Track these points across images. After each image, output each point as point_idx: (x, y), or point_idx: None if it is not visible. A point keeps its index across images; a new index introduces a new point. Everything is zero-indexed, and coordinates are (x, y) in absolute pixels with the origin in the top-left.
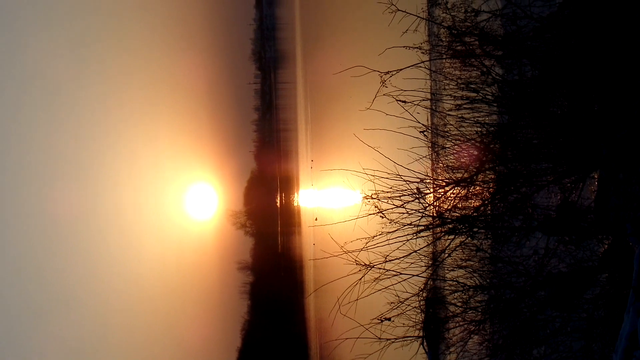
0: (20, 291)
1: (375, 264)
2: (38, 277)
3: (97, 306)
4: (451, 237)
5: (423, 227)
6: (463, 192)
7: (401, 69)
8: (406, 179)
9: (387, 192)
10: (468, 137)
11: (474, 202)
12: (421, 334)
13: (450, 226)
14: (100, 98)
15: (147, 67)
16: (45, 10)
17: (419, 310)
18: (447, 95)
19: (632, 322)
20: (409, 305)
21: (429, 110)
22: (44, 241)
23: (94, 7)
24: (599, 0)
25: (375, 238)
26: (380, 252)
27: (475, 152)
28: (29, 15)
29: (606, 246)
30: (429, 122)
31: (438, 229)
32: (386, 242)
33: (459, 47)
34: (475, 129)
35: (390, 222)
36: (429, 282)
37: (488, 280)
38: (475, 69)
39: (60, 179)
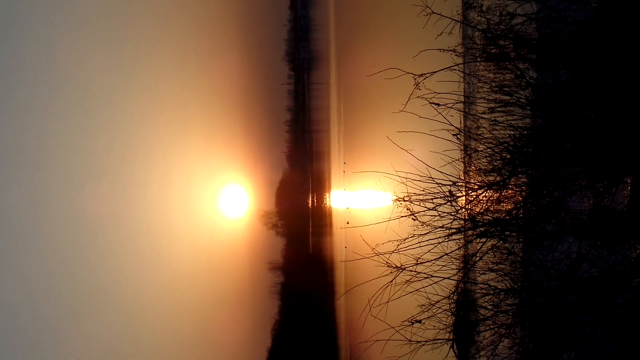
0: (51, 293)
1: (406, 266)
2: (69, 279)
3: (128, 307)
4: (483, 240)
5: (455, 230)
6: (495, 195)
7: (435, 72)
8: (438, 181)
9: (419, 194)
10: (501, 140)
11: (506, 206)
12: (451, 337)
13: (482, 229)
14: (133, 99)
15: (182, 67)
16: (78, 10)
17: (450, 313)
18: (480, 98)
19: None
20: (439, 307)
21: (462, 113)
22: (75, 243)
23: (127, 8)
24: (635, 5)
25: (406, 240)
26: (412, 255)
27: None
28: (62, 15)
29: (638, 251)
30: (462, 125)
31: (470, 232)
32: (418, 245)
33: (493, 50)
34: (509, 132)
35: (422, 225)
36: (459, 285)
37: (519, 284)
38: (509, 72)
39: (91, 180)
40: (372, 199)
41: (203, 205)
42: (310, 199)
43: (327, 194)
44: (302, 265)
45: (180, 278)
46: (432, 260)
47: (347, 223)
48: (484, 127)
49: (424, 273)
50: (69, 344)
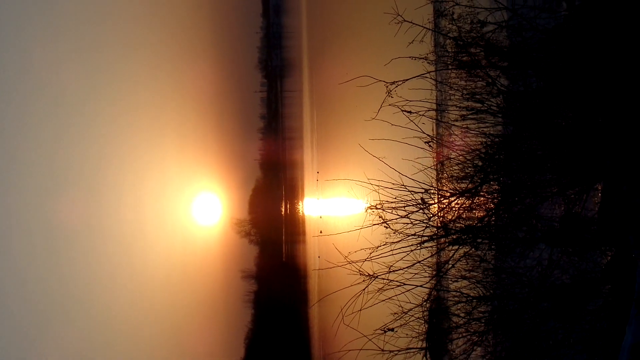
0: (24, 299)
1: (379, 274)
2: (41, 286)
3: (101, 314)
4: (455, 247)
5: (427, 238)
6: (467, 202)
7: (407, 79)
8: (411, 189)
9: (392, 202)
10: (473, 147)
11: (478, 213)
12: (424, 345)
13: (454, 237)
14: (107, 107)
15: (154, 75)
16: (51, 18)
17: (423, 321)
18: (452, 105)
19: (634, 334)
20: (412, 316)
21: (434, 121)
22: (48, 251)
23: (101, 16)
24: (604, 12)
25: (379, 248)
26: (384, 263)
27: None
28: (36, 23)
29: (609, 258)
30: (434, 133)
31: (442, 240)
32: (390, 253)
33: (464, 58)
34: (480, 139)
35: (394, 233)
36: (432, 293)
37: (491, 291)
38: (480, 79)
39: (65, 188)
40: (345, 206)
41: (177, 213)
42: (284, 207)
43: (301, 202)
44: (275, 273)
45: (153, 286)
46: (404, 268)
47: (320, 232)
48: (456, 135)
49: (397, 281)
50: (41, 353)
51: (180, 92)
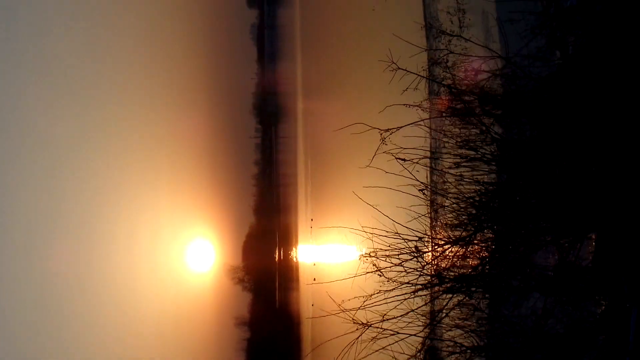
0: (16, 348)
1: (372, 323)
2: (32, 335)
3: None
4: (449, 296)
5: (421, 286)
6: (461, 251)
7: (401, 127)
8: (404, 237)
9: (386, 250)
10: (467, 195)
11: (472, 261)
12: None
13: (448, 285)
14: (99, 152)
15: (148, 120)
16: (44, 60)
17: None
18: (446, 153)
19: None
20: None
21: (428, 168)
22: (38, 299)
23: (94, 60)
24: (597, 62)
25: (373, 296)
26: (378, 311)
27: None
28: (28, 65)
29: (603, 307)
30: (428, 180)
31: (436, 288)
32: (384, 301)
33: (458, 106)
34: (474, 187)
35: (388, 281)
36: (426, 342)
37: (485, 341)
38: (474, 127)
39: (55, 235)
40: (339, 254)
41: (169, 260)
42: (277, 253)
43: (294, 249)
44: (268, 320)
45: (145, 335)
46: (398, 316)
47: (314, 279)
48: (449, 183)
49: (390, 330)
50: None
51: (174, 138)
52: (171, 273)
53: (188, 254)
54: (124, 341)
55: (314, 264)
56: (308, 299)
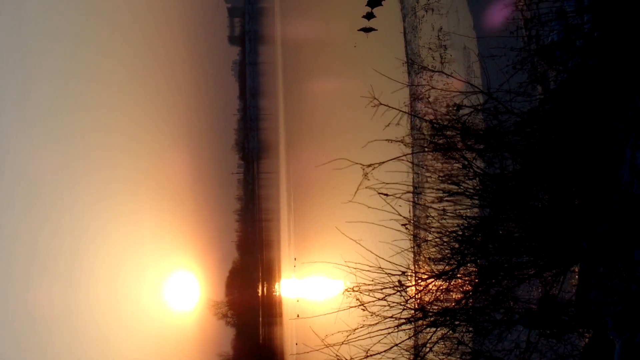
0: None
1: (356, 358)
2: None
3: None
4: (432, 330)
5: (404, 320)
6: (444, 284)
7: (383, 162)
8: (388, 271)
9: (369, 284)
10: (450, 229)
11: (455, 295)
12: None
13: (431, 319)
14: (82, 192)
15: (131, 158)
16: (27, 103)
17: None
18: (429, 187)
19: None
20: None
21: (410, 203)
22: (23, 339)
23: (76, 101)
24: (578, 96)
25: (356, 331)
26: (362, 346)
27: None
28: (10, 109)
29: (587, 340)
30: (411, 215)
31: (419, 322)
32: (368, 336)
33: (440, 141)
34: (457, 221)
35: (371, 315)
36: None
37: None
38: (456, 162)
39: (40, 277)
40: (322, 289)
41: (153, 297)
42: (260, 289)
43: (277, 284)
44: (252, 356)
45: None
46: (382, 352)
47: (298, 316)
48: (432, 217)
49: None
50: None
51: (157, 173)
52: (154, 309)
53: (171, 289)
54: None
55: (297, 300)
56: (291, 334)
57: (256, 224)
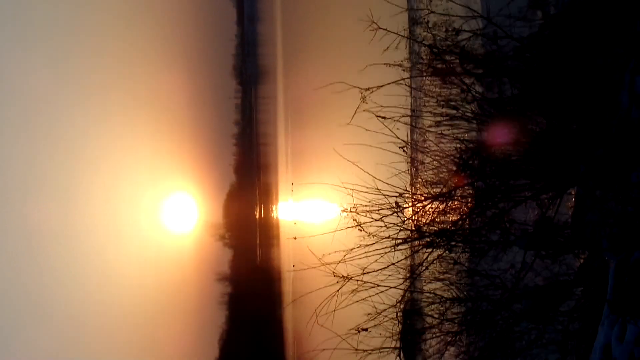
0: None
1: (353, 276)
2: (12, 288)
3: (73, 319)
4: (429, 250)
5: (401, 240)
6: (441, 206)
7: (381, 86)
8: (385, 193)
9: (366, 206)
10: (447, 153)
11: (452, 217)
12: (398, 345)
13: (428, 240)
14: (79, 111)
15: (128, 80)
16: (22, 26)
17: (396, 322)
18: (427, 112)
19: (606, 334)
20: (386, 316)
21: (408, 127)
22: (18, 252)
23: (73, 23)
24: (578, 22)
25: (353, 251)
26: (359, 265)
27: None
28: (5, 33)
29: (582, 261)
30: (409, 138)
31: (416, 242)
32: (364, 255)
33: (439, 65)
34: (455, 145)
35: (368, 236)
36: (406, 294)
37: (465, 293)
38: (455, 86)
39: (36, 190)
40: (320, 211)
41: (150, 217)
42: (258, 211)
43: (275, 207)
44: (249, 276)
45: (126, 289)
46: (378, 270)
47: (295, 238)
48: (430, 141)
49: (371, 282)
50: (13, 353)
51: (155, 98)
52: (152, 230)
53: (169, 211)
54: (105, 294)
55: (295, 223)
56: (288, 254)
57: (254, 148)
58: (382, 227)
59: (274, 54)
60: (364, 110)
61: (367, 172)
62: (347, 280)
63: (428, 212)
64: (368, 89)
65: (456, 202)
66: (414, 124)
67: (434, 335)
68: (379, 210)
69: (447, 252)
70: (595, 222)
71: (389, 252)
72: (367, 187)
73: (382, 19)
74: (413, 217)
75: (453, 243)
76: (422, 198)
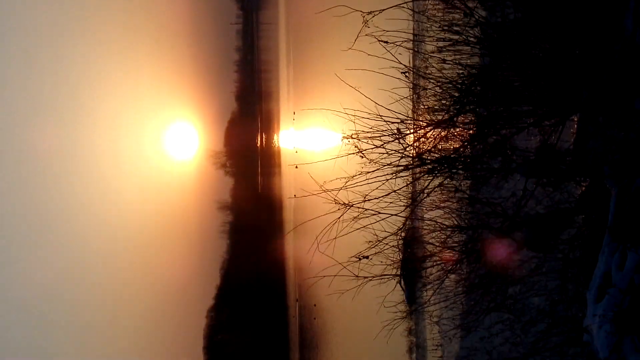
0: None
1: (354, 203)
2: (14, 212)
3: (76, 246)
4: (430, 177)
5: (402, 167)
6: (443, 133)
7: (384, 9)
8: (386, 119)
9: (367, 132)
10: (449, 78)
11: (453, 144)
12: (398, 273)
13: (429, 167)
14: (80, 36)
15: (127, 5)
16: None
17: (397, 249)
18: (429, 37)
19: (606, 261)
20: (387, 244)
21: (411, 52)
22: (20, 180)
23: None
24: None
25: (354, 178)
26: (360, 192)
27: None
28: None
29: (583, 188)
30: (411, 64)
31: (417, 170)
32: (365, 182)
33: None
34: (457, 70)
35: (369, 162)
36: (407, 222)
37: (466, 221)
38: (458, 10)
39: (38, 117)
40: (320, 139)
41: (152, 145)
42: (259, 139)
43: (276, 134)
44: (250, 204)
45: (128, 216)
46: (379, 197)
47: (296, 167)
48: (433, 66)
49: (372, 210)
50: (12, 280)
51: (155, 23)
52: (154, 157)
53: (170, 138)
54: (106, 222)
55: (296, 151)
56: (289, 183)
57: (255, 75)
58: (383, 154)
59: None
60: (365, 35)
61: (369, 98)
62: (348, 207)
63: (430, 139)
64: (370, 13)
65: (458, 129)
66: (416, 49)
67: (434, 263)
68: (380, 136)
69: (448, 179)
70: (598, 149)
71: (390, 179)
72: (369, 113)
73: None
74: (414, 144)
75: (454, 170)
76: (424, 124)
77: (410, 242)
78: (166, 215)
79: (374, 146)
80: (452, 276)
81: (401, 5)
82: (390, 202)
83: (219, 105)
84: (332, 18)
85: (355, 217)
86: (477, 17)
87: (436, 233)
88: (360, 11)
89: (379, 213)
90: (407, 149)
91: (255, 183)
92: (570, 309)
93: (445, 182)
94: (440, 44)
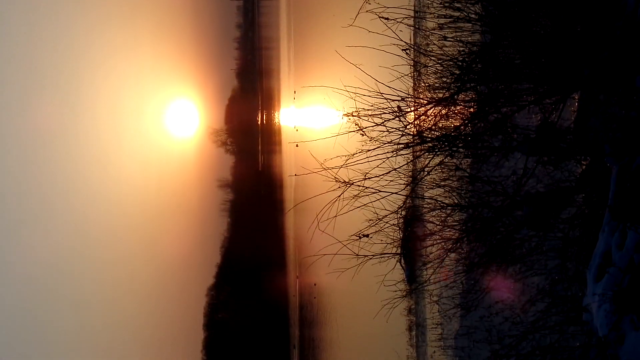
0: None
1: (354, 181)
2: (15, 188)
3: (78, 223)
4: (431, 155)
5: (403, 145)
6: (444, 111)
7: None
8: (387, 97)
9: (368, 110)
10: (450, 56)
11: (454, 122)
12: (398, 251)
13: (430, 145)
14: (81, 15)
15: None
16: None
17: (397, 228)
18: (430, 13)
19: (606, 240)
20: (387, 222)
21: (412, 29)
22: (23, 155)
23: None
24: None
25: (355, 156)
26: (360, 170)
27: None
28: None
29: (584, 167)
30: (412, 41)
31: (418, 148)
32: (366, 160)
33: None
34: (458, 48)
35: (370, 140)
36: (407, 200)
37: (466, 200)
38: None
39: (40, 95)
40: (321, 117)
41: (153, 122)
42: (260, 117)
43: (277, 112)
44: (251, 182)
45: (129, 193)
46: (380, 175)
47: (297, 145)
48: (434, 44)
49: (372, 188)
50: (14, 255)
51: (155, 1)
52: (155, 134)
53: (171, 116)
54: (107, 199)
55: (296, 129)
56: (290, 160)
57: (256, 52)
58: (383, 131)
59: None
60: (366, 11)
61: (370, 75)
62: (348, 185)
63: (430, 117)
64: None
65: (459, 107)
66: (417, 26)
67: (434, 242)
68: (381, 114)
69: (448, 157)
70: (598, 127)
71: (391, 157)
72: (369, 91)
73: None
74: (415, 122)
75: (455, 148)
76: (425, 102)
77: (411, 221)
78: (167, 193)
79: (374, 124)
80: (452, 255)
81: None
82: (391, 180)
83: (219, 83)
84: None
85: (355, 195)
86: None
87: (436, 211)
88: None
89: (379, 191)
90: (408, 126)
91: (256, 161)
92: (570, 288)
93: (446, 160)
94: (442, 20)
